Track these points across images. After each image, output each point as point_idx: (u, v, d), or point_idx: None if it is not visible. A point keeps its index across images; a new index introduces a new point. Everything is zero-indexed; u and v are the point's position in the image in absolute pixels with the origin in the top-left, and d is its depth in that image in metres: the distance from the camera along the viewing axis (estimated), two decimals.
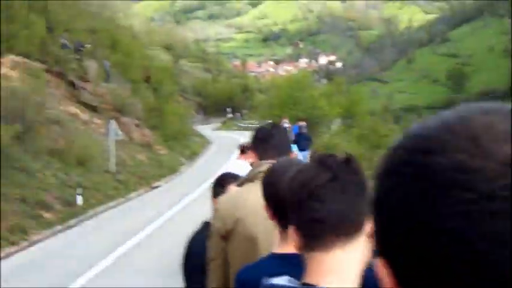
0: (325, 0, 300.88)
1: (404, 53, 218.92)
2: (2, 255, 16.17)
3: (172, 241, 15.63)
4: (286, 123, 39.57)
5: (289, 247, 2.22)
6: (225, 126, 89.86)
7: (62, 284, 12.20)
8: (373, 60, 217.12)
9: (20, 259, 15.97)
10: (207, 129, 70.72)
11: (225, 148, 52.43)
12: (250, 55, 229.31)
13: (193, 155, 46.73)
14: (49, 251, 16.66)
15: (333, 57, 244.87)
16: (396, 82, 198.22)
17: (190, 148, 49.43)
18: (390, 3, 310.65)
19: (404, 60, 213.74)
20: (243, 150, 13.34)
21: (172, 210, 21.49)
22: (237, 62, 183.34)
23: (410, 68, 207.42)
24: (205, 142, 58.58)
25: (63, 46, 39.69)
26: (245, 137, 62.00)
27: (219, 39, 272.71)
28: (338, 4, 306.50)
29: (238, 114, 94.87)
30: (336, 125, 53.32)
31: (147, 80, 53.40)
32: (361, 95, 58.03)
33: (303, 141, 27.00)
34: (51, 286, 12.15)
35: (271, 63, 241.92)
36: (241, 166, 12.59)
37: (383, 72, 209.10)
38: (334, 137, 45.49)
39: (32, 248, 17.36)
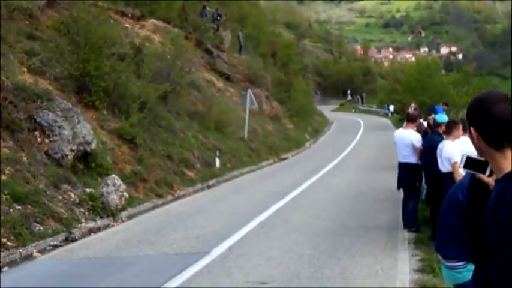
0: None
1: None
2: (150, 205, 16.93)
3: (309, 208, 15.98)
4: (414, 108, 39.17)
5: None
6: (343, 108, 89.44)
7: (226, 233, 12.70)
8: (495, 54, 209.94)
9: (171, 210, 16.63)
10: (325, 110, 70.59)
11: (346, 129, 52.53)
12: (370, 40, 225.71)
13: (315, 133, 46.95)
14: (199, 205, 17.25)
15: (454, 49, 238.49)
16: None
17: (312, 125, 49.69)
18: None
19: None
20: (411, 118, 13.39)
21: (306, 181, 21.61)
22: (357, 46, 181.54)
23: None
24: (326, 121, 58.70)
25: (202, 14, 40.48)
26: (365, 120, 61.92)
27: (340, 22, 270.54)
28: None
29: (357, 97, 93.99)
30: (462, 115, 52.01)
31: (274, 55, 53.73)
32: (489, 87, 56.03)
33: None
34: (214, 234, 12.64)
35: (391, 49, 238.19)
36: (409, 134, 12.69)
37: (505, 68, 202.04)
38: None
39: (180, 201, 18.11)
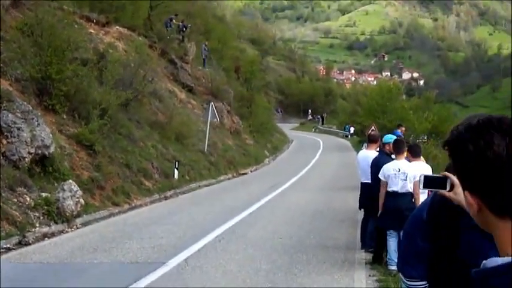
0: (416, 17, 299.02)
1: (489, 79, 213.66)
2: (106, 214, 16.72)
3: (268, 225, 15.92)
4: (373, 130, 39.48)
5: None
6: (303, 127, 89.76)
7: (183, 244, 12.58)
8: (456, 82, 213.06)
9: (127, 219, 16.44)
10: (285, 128, 70.80)
11: (306, 148, 52.68)
12: (334, 61, 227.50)
13: (275, 150, 47.01)
14: (156, 216, 17.09)
15: (416, 74, 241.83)
16: (477, 108, 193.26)
17: (272, 142, 49.74)
18: (481, 28, 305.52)
19: (489, 87, 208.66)
20: (372, 139, 13.41)
21: (264, 197, 21.51)
22: (320, 66, 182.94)
23: (494, 96, 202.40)
24: (285, 139, 58.84)
25: (167, 25, 40.32)
26: (325, 140, 62.26)
27: (304, 41, 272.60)
28: (429, 22, 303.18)
29: (318, 117, 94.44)
30: (421, 140, 52.28)
31: (237, 70, 53.75)
32: (450, 114, 56.60)
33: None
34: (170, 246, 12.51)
35: (353, 71, 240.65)
36: (372, 155, 12.69)
37: (465, 96, 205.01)
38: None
39: (137, 211, 17.94)
